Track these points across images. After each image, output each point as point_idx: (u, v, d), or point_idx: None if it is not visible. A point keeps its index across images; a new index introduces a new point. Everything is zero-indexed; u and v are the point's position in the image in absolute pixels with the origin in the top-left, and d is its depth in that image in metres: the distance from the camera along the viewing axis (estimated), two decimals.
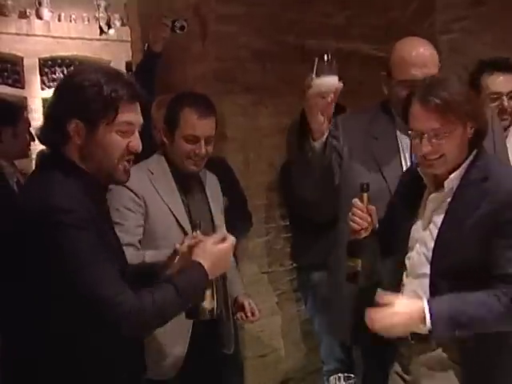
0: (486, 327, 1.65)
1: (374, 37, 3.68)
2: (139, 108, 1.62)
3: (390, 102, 2.23)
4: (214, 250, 1.66)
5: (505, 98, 2.67)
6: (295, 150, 2.06)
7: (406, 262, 1.83)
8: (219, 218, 2.41)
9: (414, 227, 1.83)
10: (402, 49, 2.16)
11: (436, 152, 1.71)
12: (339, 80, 1.92)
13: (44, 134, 1.63)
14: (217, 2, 3.10)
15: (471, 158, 1.76)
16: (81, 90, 1.54)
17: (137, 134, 1.62)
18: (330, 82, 1.89)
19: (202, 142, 2.26)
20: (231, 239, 1.69)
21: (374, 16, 3.63)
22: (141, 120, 1.63)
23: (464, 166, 1.75)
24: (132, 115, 1.59)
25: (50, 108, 1.63)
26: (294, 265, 3.29)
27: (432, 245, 1.75)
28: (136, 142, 1.61)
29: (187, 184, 2.34)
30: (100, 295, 1.45)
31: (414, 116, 1.73)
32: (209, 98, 2.36)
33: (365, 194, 1.84)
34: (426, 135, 1.70)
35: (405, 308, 1.65)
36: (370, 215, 1.83)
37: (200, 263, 1.62)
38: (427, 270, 1.75)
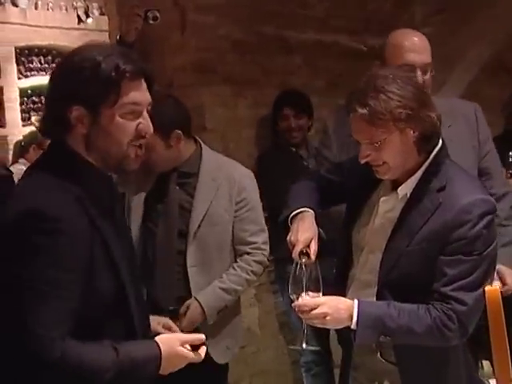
0: (411, 337, 1.59)
1: (353, 29, 3.69)
2: (145, 85, 1.43)
3: None
4: (179, 352, 1.46)
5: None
6: None
7: (356, 262, 1.76)
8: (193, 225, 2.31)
9: (362, 222, 1.75)
10: (396, 37, 2.23)
11: (375, 160, 1.62)
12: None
13: (45, 126, 1.45)
14: None
15: (428, 163, 1.65)
16: (77, 72, 1.36)
17: (145, 114, 1.43)
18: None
19: None
20: (200, 356, 1.50)
21: (354, 8, 3.63)
22: (149, 98, 1.44)
23: (420, 171, 1.65)
24: (138, 94, 1.40)
25: (48, 95, 1.44)
26: (272, 257, 3.29)
27: (381, 254, 1.67)
28: (146, 124, 1.43)
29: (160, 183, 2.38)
30: (30, 328, 1.28)
31: (351, 124, 1.64)
32: None
33: (308, 259, 1.68)
34: (362, 144, 1.62)
35: (334, 301, 1.62)
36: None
37: (159, 358, 1.41)
38: (374, 278, 1.68)
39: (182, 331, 2.26)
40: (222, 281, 2.37)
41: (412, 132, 1.60)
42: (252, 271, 2.42)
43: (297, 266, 1.65)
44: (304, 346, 1.72)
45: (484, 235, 1.57)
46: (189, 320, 2.29)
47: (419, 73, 2.13)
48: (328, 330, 3.23)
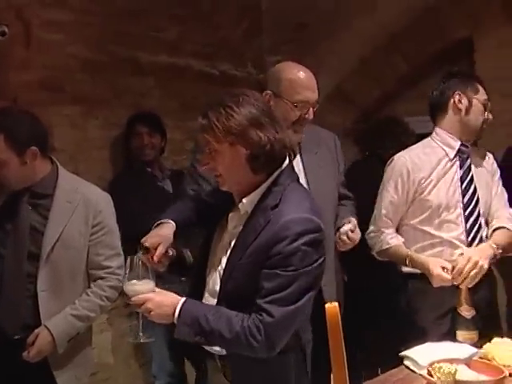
0: (222, 342, 1.67)
1: (206, 54, 3.77)
2: None
3: None
4: None
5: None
6: None
7: (208, 276, 1.82)
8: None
9: (219, 238, 1.83)
10: (291, 73, 2.31)
11: (212, 169, 1.73)
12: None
13: None
14: (42, 6, 2.95)
15: (270, 181, 1.73)
16: None
17: None
18: (141, 289, 1.70)
19: None
20: None
21: (206, 34, 3.73)
22: None
23: (260, 189, 1.72)
24: None
25: None
26: None
27: (223, 266, 1.75)
28: None
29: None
30: None
31: None
32: None
33: (148, 255, 1.79)
34: (204, 152, 1.74)
35: (160, 297, 1.69)
36: (165, 255, 1.82)
37: None
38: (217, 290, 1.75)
39: (29, 362, 2.17)
40: (73, 307, 2.28)
41: (244, 150, 1.68)
42: (106, 297, 2.35)
43: (132, 260, 1.71)
44: (141, 335, 1.79)
45: (303, 252, 1.61)
46: (37, 350, 2.18)
47: (311, 110, 2.28)
48: (182, 355, 3.24)
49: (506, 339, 2.05)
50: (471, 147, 2.55)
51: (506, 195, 2.61)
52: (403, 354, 2.06)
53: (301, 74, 2.31)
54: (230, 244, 1.77)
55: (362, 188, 2.71)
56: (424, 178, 2.47)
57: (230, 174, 1.72)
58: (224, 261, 1.75)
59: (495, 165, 2.64)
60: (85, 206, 2.30)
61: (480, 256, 2.31)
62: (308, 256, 1.62)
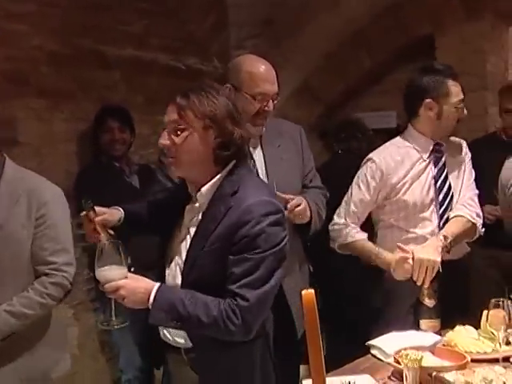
0: (199, 327, 1.67)
1: (172, 48, 3.77)
2: None
3: None
4: None
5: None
6: None
7: (166, 271, 1.83)
8: None
9: (176, 234, 1.84)
10: (251, 65, 2.33)
11: (172, 149, 1.72)
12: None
13: None
14: None
15: (226, 171, 1.75)
16: None
17: None
18: (113, 275, 1.69)
19: None
20: None
21: (172, 28, 3.72)
22: None
23: (217, 179, 1.74)
24: None
25: None
26: (91, 274, 3.22)
27: (184, 257, 1.76)
28: None
29: None
30: None
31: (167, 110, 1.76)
32: None
33: (90, 212, 1.84)
34: (167, 129, 1.74)
35: (134, 283, 1.68)
36: (104, 226, 1.86)
37: None
38: (180, 281, 1.76)
39: None
40: (10, 303, 2.13)
41: (213, 137, 1.70)
42: (47, 294, 2.16)
43: (102, 247, 1.71)
44: (113, 320, 1.78)
45: (267, 233, 1.64)
46: None
47: (271, 102, 2.29)
48: (151, 350, 3.22)
49: (467, 327, 2.13)
50: (446, 141, 2.57)
51: (473, 175, 2.63)
52: (370, 343, 2.12)
53: (260, 66, 2.32)
54: (187, 237, 1.78)
55: (335, 185, 2.70)
56: (399, 180, 2.51)
57: (191, 159, 1.72)
58: (184, 254, 1.76)
59: (468, 153, 2.66)
60: (28, 197, 2.16)
61: (429, 252, 2.37)
62: (272, 236, 1.66)
